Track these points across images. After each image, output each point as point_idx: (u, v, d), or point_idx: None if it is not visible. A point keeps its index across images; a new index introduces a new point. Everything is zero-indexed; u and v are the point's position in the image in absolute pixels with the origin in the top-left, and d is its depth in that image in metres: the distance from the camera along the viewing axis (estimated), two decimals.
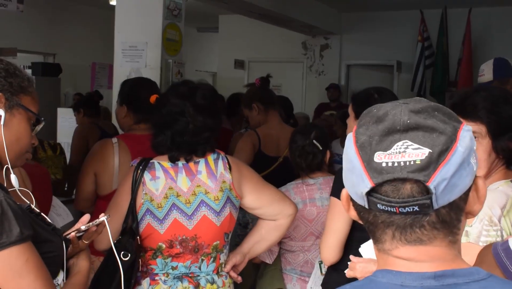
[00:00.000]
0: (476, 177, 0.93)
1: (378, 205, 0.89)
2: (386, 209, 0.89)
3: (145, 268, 2.28)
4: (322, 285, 2.49)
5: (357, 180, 0.91)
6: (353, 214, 1.00)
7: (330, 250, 2.29)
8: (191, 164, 2.28)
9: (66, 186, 4.00)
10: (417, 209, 0.88)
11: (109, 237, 1.70)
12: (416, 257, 0.92)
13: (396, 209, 0.88)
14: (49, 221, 1.55)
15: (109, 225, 2.18)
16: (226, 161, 2.34)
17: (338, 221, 2.27)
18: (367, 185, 0.89)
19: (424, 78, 8.45)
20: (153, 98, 2.41)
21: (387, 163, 0.88)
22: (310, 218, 2.88)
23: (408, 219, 0.90)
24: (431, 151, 0.87)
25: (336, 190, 2.31)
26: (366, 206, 0.91)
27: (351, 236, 2.30)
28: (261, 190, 2.39)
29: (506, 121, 1.79)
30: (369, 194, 0.89)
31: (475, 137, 1.81)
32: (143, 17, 4.97)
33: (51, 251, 1.48)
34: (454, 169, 0.87)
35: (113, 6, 5.29)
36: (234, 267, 2.40)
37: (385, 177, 0.88)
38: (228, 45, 10.20)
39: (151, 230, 2.23)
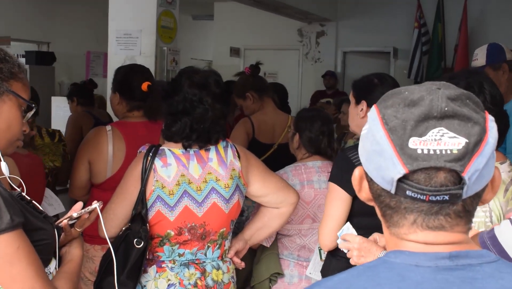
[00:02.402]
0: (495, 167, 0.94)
1: (407, 192, 0.88)
2: (416, 196, 0.87)
3: (152, 255, 2.27)
4: (321, 271, 2.48)
5: (386, 164, 0.88)
6: (364, 196, 0.98)
7: (329, 236, 2.28)
8: (202, 151, 2.28)
9: None
10: (447, 199, 0.87)
11: (102, 225, 1.67)
12: (433, 241, 0.91)
13: (426, 197, 0.87)
14: (41, 208, 1.52)
15: (116, 211, 2.18)
16: (235, 149, 2.35)
17: (337, 207, 2.26)
18: (400, 171, 0.86)
19: (421, 64, 8.43)
20: (144, 85, 2.38)
21: (422, 150, 0.86)
22: (308, 200, 2.87)
23: (435, 207, 0.88)
24: (467, 140, 0.86)
25: (335, 175, 2.30)
26: (393, 191, 0.89)
27: (349, 222, 2.28)
28: (267, 178, 2.41)
29: (486, 103, 1.80)
30: (399, 180, 0.87)
31: None
32: (137, 4, 4.92)
33: (43, 239, 1.45)
34: (486, 160, 0.87)
35: None
36: (236, 253, 2.43)
37: (421, 164, 0.86)
38: (223, 33, 10.15)
39: (161, 217, 2.22)
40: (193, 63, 12.55)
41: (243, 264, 2.44)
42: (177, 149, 2.26)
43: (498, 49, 3.72)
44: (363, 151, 0.95)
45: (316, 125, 2.93)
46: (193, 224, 2.24)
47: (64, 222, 1.56)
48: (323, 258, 2.50)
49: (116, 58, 5.03)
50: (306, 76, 9.62)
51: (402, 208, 0.90)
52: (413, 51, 8.42)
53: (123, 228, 2.20)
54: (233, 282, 2.38)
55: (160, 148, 2.26)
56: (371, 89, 2.34)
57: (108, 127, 2.84)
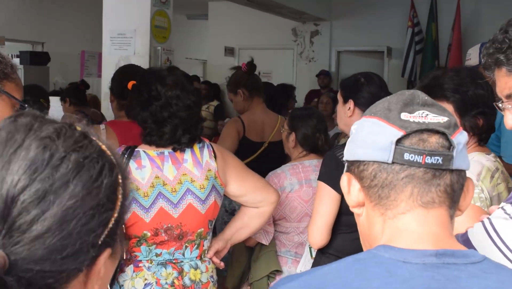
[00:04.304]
0: (468, 179, 1.01)
1: (405, 154, 0.94)
2: (413, 158, 0.94)
3: (129, 255, 2.28)
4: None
5: (382, 136, 0.96)
6: (352, 199, 1.02)
7: (318, 233, 2.32)
8: (177, 153, 2.29)
9: None
10: (441, 162, 0.94)
11: None
12: (423, 224, 0.95)
13: (422, 159, 0.93)
14: None
15: None
16: (211, 149, 2.35)
17: (326, 204, 2.29)
18: (397, 134, 0.94)
19: (415, 63, 8.47)
20: (130, 84, 2.39)
21: (413, 120, 0.95)
22: (306, 198, 2.90)
23: (429, 173, 0.94)
24: (448, 118, 0.97)
25: (323, 174, 2.33)
26: (390, 159, 0.94)
27: (338, 220, 2.32)
28: (245, 177, 2.41)
29: (471, 99, 1.86)
30: (397, 143, 0.94)
31: None
32: (131, 4, 4.93)
33: None
34: (464, 141, 0.97)
35: None
36: (216, 253, 2.43)
37: (414, 128, 0.94)
38: (218, 32, 10.16)
39: (137, 218, 2.23)
40: (187, 63, 12.58)
41: (222, 264, 2.45)
42: (152, 150, 2.27)
43: None
44: (353, 144, 1.01)
45: (311, 123, 2.94)
46: (169, 225, 2.24)
47: None
48: (313, 255, 2.53)
49: (110, 58, 5.04)
50: (300, 76, 9.64)
51: (399, 179, 0.95)
52: (406, 50, 8.47)
53: None
54: (212, 282, 2.38)
55: (136, 149, 2.27)
56: (358, 89, 2.38)
57: (102, 126, 2.87)
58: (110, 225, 0.76)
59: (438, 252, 0.93)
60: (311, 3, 8.72)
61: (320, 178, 2.32)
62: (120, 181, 0.78)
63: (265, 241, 2.90)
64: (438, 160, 0.93)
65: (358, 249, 2.23)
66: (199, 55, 12.37)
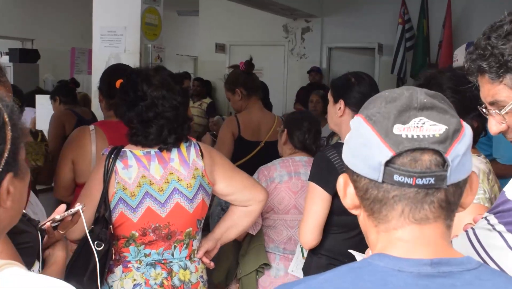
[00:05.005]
0: (471, 172, 0.97)
1: (395, 176, 0.91)
2: (403, 180, 0.91)
3: (118, 256, 2.28)
4: (303, 268, 2.52)
5: (372, 152, 0.92)
6: (349, 202, 1.01)
7: (309, 234, 2.32)
8: (164, 152, 2.29)
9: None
10: (433, 182, 0.91)
11: (84, 226, 1.69)
12: (417, 238, 0.94)
13: (413, 180, 0.91)
14: (24, 211, 1.53)
15: (84, 214, 2.19)
16: (198, 148, 2.36)
17: (317, 206, 2.30)
18: (387, 154, 0.91)
19: (404, 60, 8.48)
20: (118, 83, 2.39)
21: (406, 135, 0.91)
22: (295, 190, 2.92)
23: (421, 193, 0.92)
24: (447, 127, 0.91)
25: (314, 174, 2.34)
26: (380, 179, 0.92)
27: (329, 220, 2.32)
28: (232, 176, 2.42)
29: (469, 100, 1.84)
30: (387, 164, 0.91)
31: None
32: (121, 1, 4.91)
33: (26, 242, 1.47)
34: (465, 148, 0.92)
35: None
36: (206, 253, 2.43)
37: (406, 147, 0.90)
38: (208, 29, 10.13)
39: (124, 219, 2.23)
40: (178, 59, 12.50)
41: (212, 264, 2.45)
42: (138, 150, 2.28)
43: None
44: (348, 150, 0.99)
45: (305, 124, 3.02)
46: (157, 225, 2.25)
47: (47, 224, 1.58)
48: (305, 255, 2.54)
49: (101, 56, 5.01)
50: (292, 72, 9.64)
51: (390, 198, 0.93)
52: (396, 47, 8.48)
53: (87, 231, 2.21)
54: (202, 282, 2.38)
55: (122, 149, 2.27)
56: (348, 88, 2.38)
57: (92, 127, 2.85)
58: (5, 155, 0.97)
59: (433, 261, 0.92)
60: (302, 0, 8.71)
61: (311, 179, 2.33)
62: (7, 119, 0.97)
63: (252, 231, 2.91)
64: (430, 180, 0.90)
65: (350, 248, 2.25)
66: (190, 52, 12.33)
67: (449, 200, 0.94)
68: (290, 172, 2.95)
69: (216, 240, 2.46)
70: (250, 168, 3.05)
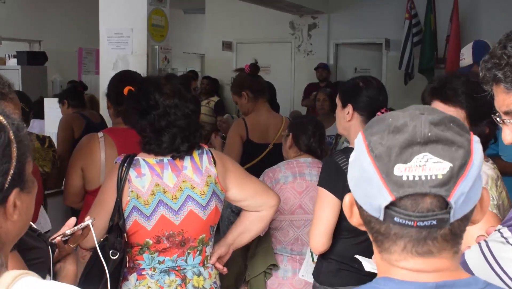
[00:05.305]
0: (482, 188, 0.94)
1: (395, 218, 0.89)
2: (404, 222, 0.89)
3: (132, 263, 2.29)
4: (313, 273, 2.52)
5: (373, 192, 0.90)
6: (355, 221, 0.99)
7: (319, 239, 2.33)
8: (177, 160, 2.29)
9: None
10: (435, 223, 0.88)
11: (94, 240, 1.70)
12: (422, 268, 0.92)
13: (414, 223, 0.88)
14: (35, 227, 1.54)
15: (95, 223, 2.20)
16: (211, 155, 2.36)
17: (326, 211, 2.30)
18: (387, 198, 0.88)
19: (412, 55, 8.43)
20: (125, 90, 2.39)
21: (408, 176, 0.87)
22: (300, 190, 2.95)
23: (424, 232, 0.90)
24: (451, 165, 0.87)
25: (324, 179, 2.33)
26: (381, 218, 0.90)
27: (339, 225, 2.32)
28: (245, 182, 2.43)
29: (483, 107, 1.82)
30: (387, 207, 0.89)
31: None
32: (127, 3, 4.91)
33: (37, 258, 1.48)
34: (471, 183, 0.89)
35: None
36: (219, 259, 2.44)
37: (406, 191, 0.87)
38: (215, 27, 10.13)
39: (138, 227, 2.24)
40: (185, 57, 12.50)
41: (225, 270, 2.46)
42: (151, 158, 2.29)
43: (483, 47, 3.76)
44: (351, 178, 0.97)
45: (309, 127, 3.05)
46: (171, 232, 2.26)
47: (57, 238, 1.59)
48: (315, 260, 2.54)
49: (108, 58, 5.02)
50: (299, 69, 9.62)
51: (392, 234, 0.92)
52: (403, 42, 8.43)
53: (101, 239, 2.22)
54: (215, 287, 2.40)
55: (135, 158, 2.28)
56: (356, 93, 2.38)
57: (100, 134, 2.86)
58: (11, 172, 1.00)
59: (438, 284, 0.91)
60: None
61: (320, 184, 2.33)
62: (12, 137, 1.01)
63: (261, 232, 2.93)
64: (431, 222, 0.88)
65: (359, 253, 2.24)
66: (197, 50, 12.33)
67: (454, 233, 0.92)
68: (294, 172, 2.98)
69: (228, 246, 2.47)
70: (259, 170, 3.07)
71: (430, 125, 0.90)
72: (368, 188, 0.91)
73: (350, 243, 2.34)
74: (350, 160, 0.98)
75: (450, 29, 8.09)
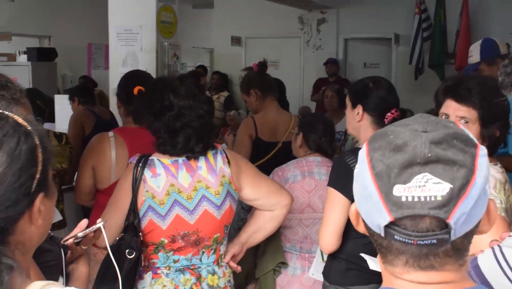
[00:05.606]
0: (489, 199, 0.93)
1: (395, 236, 0.89)
2: (404, 240, 0.89)
3: (147, 262, 2.31)
4: (323, 272, 2.53)
5: (374, 210, 0.91)
6: (362, 229, 1.00)
7: (328, 239, 2.34)
8: (191, 160, 2.31)
9: None
10: (435, 242, 0.88)
11: (106, 243, 1.72)
12: (425, 281, 0.92)
13: (414, 242, 0.88)
14: None
15: (111, 222, 2.22)
16: (225, 155, 2.38)
17: (336, 211, 2.30)
18: (386, 218, 0.89)
19: (422, 50, 8.39)
20: (135, 90, 2.41)
21: (407, 197, 0.87)
22: (309, 188, 2.96)
23: (424, 249, 0.90)
24: (452, 186, 0.86)
25: (333, 180, 2.34)
26: (382, 235, 0.91)
27: (348, 225, 2.32)
28: (258, 182, 2.44)
29: (496, 109, 1.82)
30: (387, 226, 0.89)
31: (465, 122, 1.86)
32: (136, 0, 4.93)
33: (49, 261, 1.50)
34: (473, 202, 0.88)
35: None
36: (233, 257, 2.46)
37: (405, 212, 0.87)
38: (224, 22, 10.13)
39: (153, 226, 2.26)
40: (194, 52, 12.44)
41: (239, 268, 2.48)
42: (166, 158, 2.30)
43: (491, 45, 3.80)
44: (355, 192, 0.97)
45: (320, 127, 3.07)
46: (186, 232, 2.27)
47: (69, 241, 1.60)
48: (325, 259, 2.55)
49: (117, 54, 5.04)
50: (308, 64, 9.60)
51: (394, 248, 0.92)
52: (414, 37, 8.38)
53: (117, 238, 2.24)
54: (229, 286, 2.42)
55: (150, 158, 2.29)
56: (366, 94, 2.38)
57: (111, 133, 2.88)
58: (37, 176, 1.02)
59: None
60: None
61: (330, 184, 2.33)
62: (38, 142, 1.03)
63: None
64: (431, 241, 0.88)
65: (369, 253, 2.25)
66: (206, 44, 12.32)
67: (457, 248, 0.91)
68: (303, 171, 2.99)
69: (242, 244, 2.49)
70: (269, 169, 3.08)
71: (431, 145, 0.89)
72: (369, 205, 0.92)
73: (359, 243, 2.34)
74: (355, 171, 0.98)
75: (460, 24, 8.05)
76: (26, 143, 1.01)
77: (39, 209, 1.05)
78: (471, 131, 1.82)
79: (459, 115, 1.90)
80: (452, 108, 1.91)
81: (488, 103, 1.84)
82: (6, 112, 1.06)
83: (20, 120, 1.06)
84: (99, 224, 1.63)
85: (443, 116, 1.94)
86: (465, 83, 1.91)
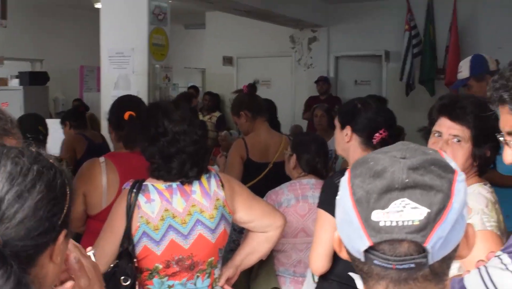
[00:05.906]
0: (467, 224, 0.95)
1: (374, 261, 0.91)
2: (383, 264, 0.91)
3: (142, 288, 2.30)
4: None
5: (354, 236, 0.93)
6: (345, 255, 1.02)
7: (319, 261, 2.33)
8: (185, 185, 2.31)
9: None
10: (413, 266, 0.90)
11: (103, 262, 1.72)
12: None
13: (393, 266, 0.90)
14: None
15: (105, 249, 2.21)
16: (218, 178, 2.38)
17: (326, 232, 2.30)
18: (365, 243, 0.91)
19: (413, 67, 8.45)
20: (126, 115, 2.42)
21: (385, 222, 0.90)
22: (302, 213, 2.95)
23: (403, 274, 0.91)
24: (429, 210, 0.89)
25: (323, 201, 2.34)
26: (362, 260, 0.93)
27: None
28: (252, 204, 2.44)
29: (490, 130, 1.84)
30: (366, 250, 0.91)
31: (458, 140, 1.88)
32: (128, 23, 4.97)
33: None
34: (450, 226, 0.90)
35: (99, 9, 5.28)
36: (227, 281, 2.45)
37: (384, 237, 0.89)
38: (215, 42, 10.19)
39: (148, 252, 2.25)
40: (186, 72, 12.51)
41: None
42: (160, 183, 2.30)
43: (481, 61, 3.85)
44: (338, 218, 1.00)
45: (313, 147, 3.06)
46: (180, 256, 2.27)
47: None
48: (316, 280, 2.55)
49: (109, 77, 5.07)
50: (299, 83, 9.65)
51: (374, 274, 0.93)
52: (404, 54, 8.45)
53: (111, 265, 2.23)
54: None
55: (144, 183, 2.29)
56: (354, 115, 2.40)
57: (102, 159, 2.87)
58: (65, 211, 1.05)
59: None
60: (308, 10, 8.73)
61: (320, 206, 2.34)
62: (66, 181, 1.07)
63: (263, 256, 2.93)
64: (410, 265, 0.90)
65: None
66: (198, 64, 12.38)
67: (435, 272, 0.93)
68: (297, 195, 2.98)
69: (236, 267, 2.48)
70: (260, 189, 3.07)
71: (409, 170, 0.91)
72: (350, 230, 0.94)
73: (350, 263, 2.33)
74: (337, 198, 1.00)
75: (449, 40, 8.12)
76: (60, 178, 1.05)
77: (61, 245, 1.05)
78: (463, 150, 1.88)
79: (452, 133, 1.91)
80: (446, 127, 1.93)
81: (481, 123, 1.86)
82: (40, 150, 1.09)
83: (51, 160, 1.09)
84: (90, 253, 1.63)
85: (436, 134, 1.95)
86: (461, 102, 1.94)
